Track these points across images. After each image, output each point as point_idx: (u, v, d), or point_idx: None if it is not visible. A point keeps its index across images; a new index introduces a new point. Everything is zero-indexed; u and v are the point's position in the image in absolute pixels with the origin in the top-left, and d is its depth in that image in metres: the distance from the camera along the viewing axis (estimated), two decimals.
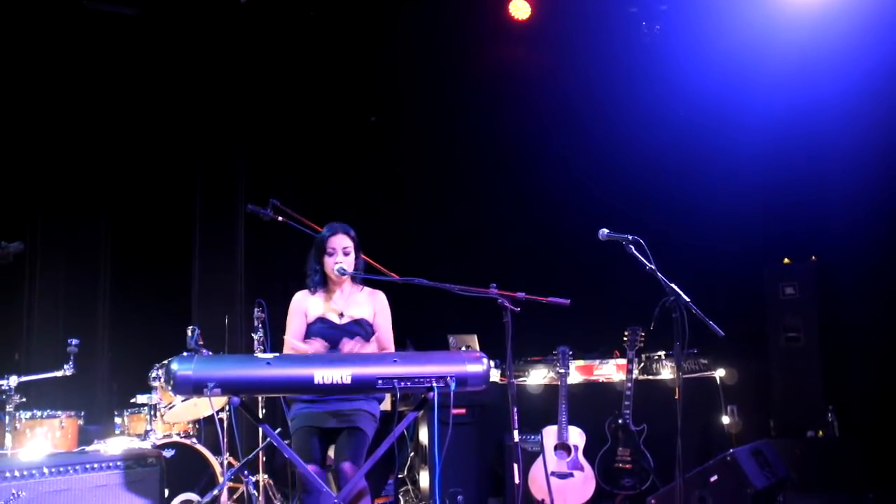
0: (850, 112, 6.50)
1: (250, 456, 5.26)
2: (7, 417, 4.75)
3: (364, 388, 3.36)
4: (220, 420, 5.35)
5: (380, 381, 3.30)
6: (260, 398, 5.39)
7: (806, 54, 6.47)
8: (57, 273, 6.62)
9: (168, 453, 4.82)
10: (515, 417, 3.82)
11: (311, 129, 7.74)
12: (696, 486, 4.78)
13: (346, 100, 7.66)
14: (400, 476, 6.27)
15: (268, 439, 4.67)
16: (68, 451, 4.86)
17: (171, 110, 6.99)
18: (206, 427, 5.72)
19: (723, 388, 6.11)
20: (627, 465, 5.62)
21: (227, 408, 5.31)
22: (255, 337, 5.19)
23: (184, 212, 7.04)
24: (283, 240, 7.12)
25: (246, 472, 5.22)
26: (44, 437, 4.93)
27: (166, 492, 4.31)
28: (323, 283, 4.05)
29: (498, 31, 7.25)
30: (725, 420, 6.11)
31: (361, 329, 3.98)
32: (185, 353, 3.29)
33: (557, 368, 5.76)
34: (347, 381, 3.27)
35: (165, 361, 5.11)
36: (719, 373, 6.16)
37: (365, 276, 4.06)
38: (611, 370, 6.35)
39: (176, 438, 5.09)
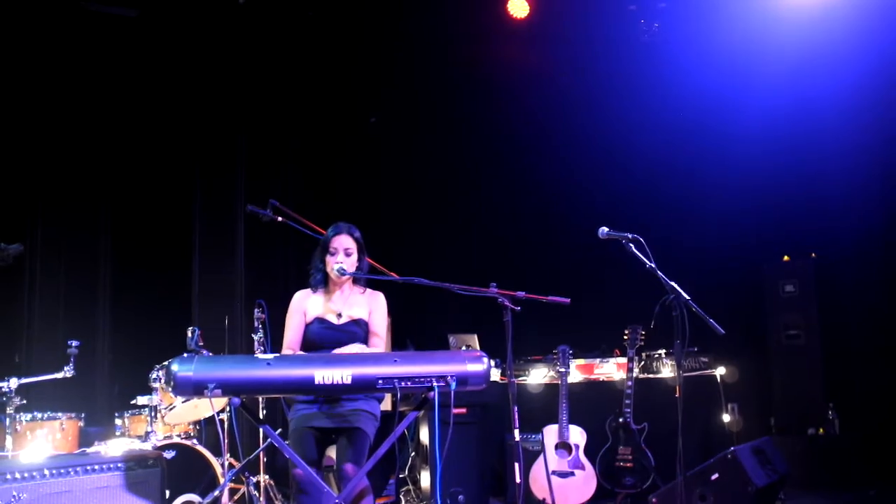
0: (850, 109, 6.51)
1: (251, 457, 5.26)
2: (7, 419, 4.74)
3: (365, 388, 3.36)
4: (221, 421, 5.35)
5: (380, 381, 3.30)
6: (260, 399, 5.39)
7: (805, 52, 6.48)
8: (57, 275, 6.62)
9: (169, 454, 4.82)
10: (516, 417, 3.82)
11: (311, 130, 7.73)
12: (697, 484, 4.79)
13: (345, 99, 7.65)
14: (401, 476, 6.27)
15: (268, 440, 4.67)
16: (69, 453, 4.86)
17: (170, 111, 6.99)
18: (206, 428, 5.72)
19: (723, 386, 6.11)
20: (628, 464, 5.62)
21: (228, 409, 5.31)
22: (256, 337, 5.19)
23: (184, 213, 7.04)
24: (282, 240, 7.13)
25: (247, 473, 5.22)
26: (44, 439, 4.92)
27: (167, 493, 4.31)
28: (324, 282, 4.04)
29: (497, 30, 7.25)
30: (726, 418, 6.12)
31: (360, 329, 3.98)
32: (185, 354, 3.27)
33: (558, 367, 5.76)
34: (348, 381, 3.27)
35: (166, 362, 5.11)
36: (720, 371, 6.16)
37: (364, 277, 4.05)
38: (611, 369, 6.35)
39: (177, 439, 5.09)
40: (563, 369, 5.71)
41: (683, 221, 6.90)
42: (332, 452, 3.95)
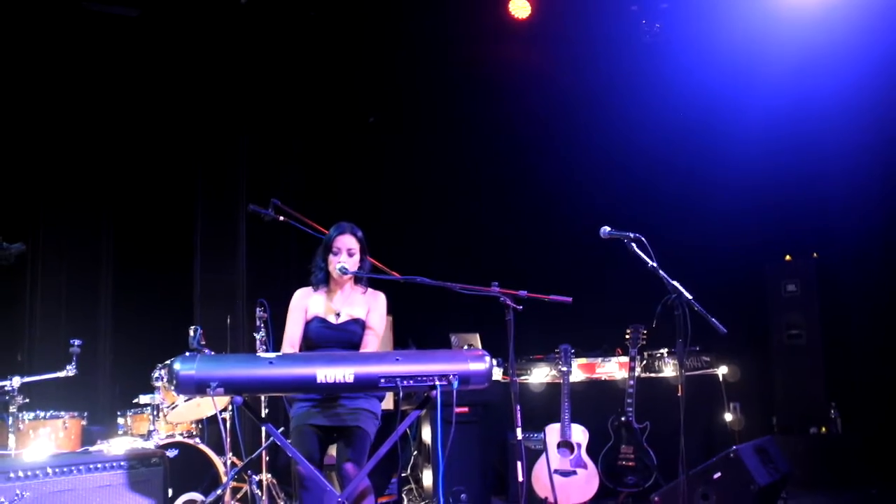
0: (851, 109, 6.52)
1: (253, 455, 5.26)
2: (10, 418, 4.74)
3: (367, 386, 3.36)
4: (223, 420, 5.35)
5: (382, 380, 3.30)
6: (262, 398, 5.40)
7: (806, 52, 6.48)
8: (59, 274, 6.63)
9: (171, 453, 4.82)
10: (518, 416, 3.82)
11: (313, 130, 7.74)
12: (700, 483, 4.79)
13: (347, 99, 7.66)
14: (403, 475, 6.28)
15: (271, 438, 4.66)
16: (72, 452, 4.86)
17: (172, 111, 6.99)
18: (208, 427, 5.72)
19: (725, 385, 6.11)
20: (631, 463, 5.63)
21: (230, 407, 5.31)
22: (258, 336, 5.19)
23: (185, 212, 7.04)
24: (284, 240, 7.13)
25: (249, 472, 5.22)
26: (47, 438, 4.93)
27: (170, 491, 4.32)
28: (326, 281, 4.05)
29: (498, 30, 7.26)
30: (728, 417, 6.13)
31: (358, 329, 3.98)
32: (187, 353, 3.28)
33: (560, 366, 5.76)
34: (350, 379, 3.27)
35: (168, 361, 5.11)
36: (722, 370, 6.16)
37: (365, 276, 4.05)
38: (613, 368, 6.36)
39: (179, 438, 5.09)
40: (565, 368, 5.71)
41: (685, 221, 6.90)
42: (333, 451, 3.96)
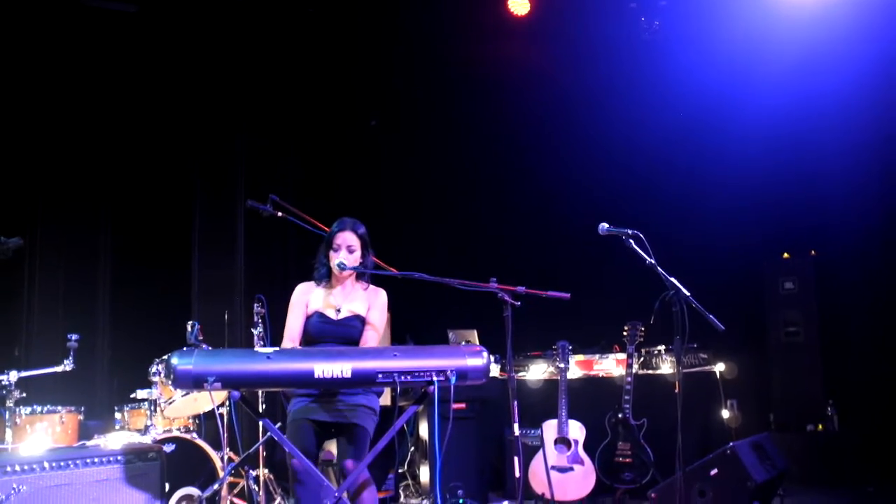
0: (849, 108, 6.52)
1: (251, 450, 5.26)
2: (7, 413, 4.74)
3: (364, 382, 3.36)
4: (221, 415, 5.35)
5: (380, 375, 3.30)
6: (260, 393, 5.39)
7: (805, 50, 6.49)
8: (57, 269, 6.63)
9: (168, 448, 4.79)
10: (515, 412, 3.82)
11: (311, 127, 7.73)
12: (697, 479, 4.79)
13: (345, 97, 7.65)
14: (400, 471, 6.29)
15: (268, 433, 4.66)
16: (68, 446, 4.85)
17: (170, 108, 6.98)
18: (206, 422, 5.72)
19: (723, 382, 6.12)
20: (627, 459, 5.63)
21: (228, 403, 5.32)
22: (255, 332, 5.19)
23: (183, 208, 7.04)
24: (282, 235, 7.13)
25: (246, 467, 5.22)
26: (44, 432, 4.92)
27: (167, 486, 4.31)
28: (328, 276, 4.04)
29: (497, 28, 7.25)
30: (725, 414, 6.13)
31: (358, 325, 3.98)
32: (185, 348, 3.28)
33: (557, 363, 5.76)
34: (348, 374, 3.27)
35: (165, 356, 5.09)
36: (719, 367, 6.17)
37: (364, 272, 4.05)
38: (611, 365, 6.36)
39: (176, 433, 5.09)
40: (562, 365, 5.71)
41: (684, 218, 6.91)
42: (330, 446, 3.96)
